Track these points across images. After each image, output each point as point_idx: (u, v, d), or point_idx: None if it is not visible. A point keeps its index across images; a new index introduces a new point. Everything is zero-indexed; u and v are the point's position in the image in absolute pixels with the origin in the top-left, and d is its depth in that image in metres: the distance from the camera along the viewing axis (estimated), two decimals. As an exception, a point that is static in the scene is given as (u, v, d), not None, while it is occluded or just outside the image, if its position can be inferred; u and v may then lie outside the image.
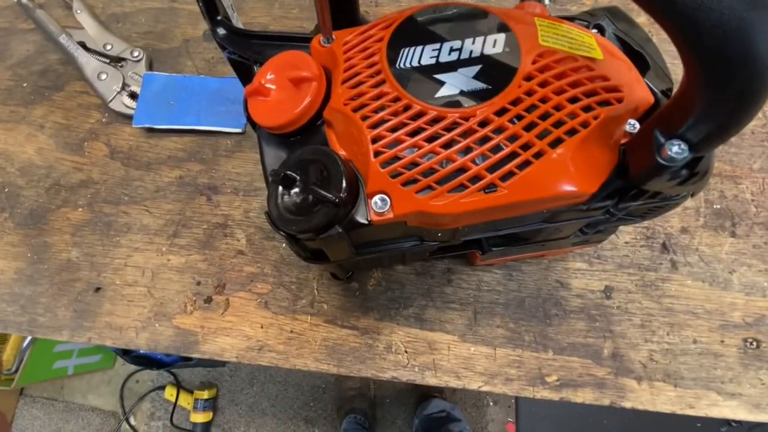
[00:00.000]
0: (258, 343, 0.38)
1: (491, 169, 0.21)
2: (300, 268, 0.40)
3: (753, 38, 0.14)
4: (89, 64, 0.46)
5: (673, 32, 0.15)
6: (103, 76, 0.46)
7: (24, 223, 0.43)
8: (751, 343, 0.37)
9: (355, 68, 0.23)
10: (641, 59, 0.26)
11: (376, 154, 0.22)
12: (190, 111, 0.45)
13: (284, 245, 0.41)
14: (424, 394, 1.11)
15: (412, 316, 0.39)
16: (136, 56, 0.47)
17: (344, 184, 0.22)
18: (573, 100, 0.22)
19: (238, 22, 0.30)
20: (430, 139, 0.22)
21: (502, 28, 0.23)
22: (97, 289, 0.41)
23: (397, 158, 0.22)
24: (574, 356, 0.37)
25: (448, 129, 0.21)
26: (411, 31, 0.24)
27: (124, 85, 0.46)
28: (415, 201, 0.22)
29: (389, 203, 0.22)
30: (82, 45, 0.47)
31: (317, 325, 0.39)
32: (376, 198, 0.22)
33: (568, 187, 0.22)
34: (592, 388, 0.36)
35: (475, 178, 0.21)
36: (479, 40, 0.23)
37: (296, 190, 0.23)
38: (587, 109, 0.22)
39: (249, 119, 0.26)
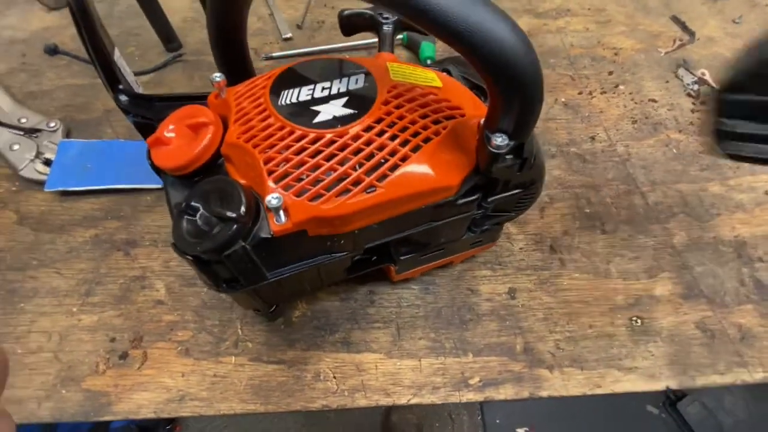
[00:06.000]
0: (179, 393, 0.36)
1: (368, 173, 0.26)
2: (223, 309, 0.40)
3: (520, 70, 0.21)
4: (1, 136, 0.47)
5: (482, 70, 0.22)
6: (15, 147, 0.47)
7: None
8: (636, 321, 0.42)
9: (245, 110, 0.28)
10: (482, 89, 0.34)
11: (269, 173, 0.26)
12: (108, 172, 0.46)
13: (206, 290, 0.41)
14: None
15: (339, 341, 0.40)
16: (53, 126, 0.48)
17: (243, 202, 0.25)
18: (423, 116, 0.28)
19: (139, 89, 0.34)
20: (313, 155, 0.26)
21: (361, 70, 0.30)
22: (-7, 363, 0.37)
23: (287, 174, 0.26)
24: (492, 356, 0.39)
25: (327, 145, 0.26)
26: (289, 78, 0.29)
27: (38, 154, 0.47)
28: (308, 208, 0.25)
29: (287, 214, 0.26)
30: (-6, 120, 0.48)
31: (242, 365, 0.38)
32: (270, 197, 0.24)
33: (434, 182, 0.27)
34: (511, 384, 0.38)
35: (357, 183, 0.26)
36: (345, 80, 0.29)
37: (200, 217, 0.25)
38: (436, 122, 0.28)
39: (152, 166, 0.29)
